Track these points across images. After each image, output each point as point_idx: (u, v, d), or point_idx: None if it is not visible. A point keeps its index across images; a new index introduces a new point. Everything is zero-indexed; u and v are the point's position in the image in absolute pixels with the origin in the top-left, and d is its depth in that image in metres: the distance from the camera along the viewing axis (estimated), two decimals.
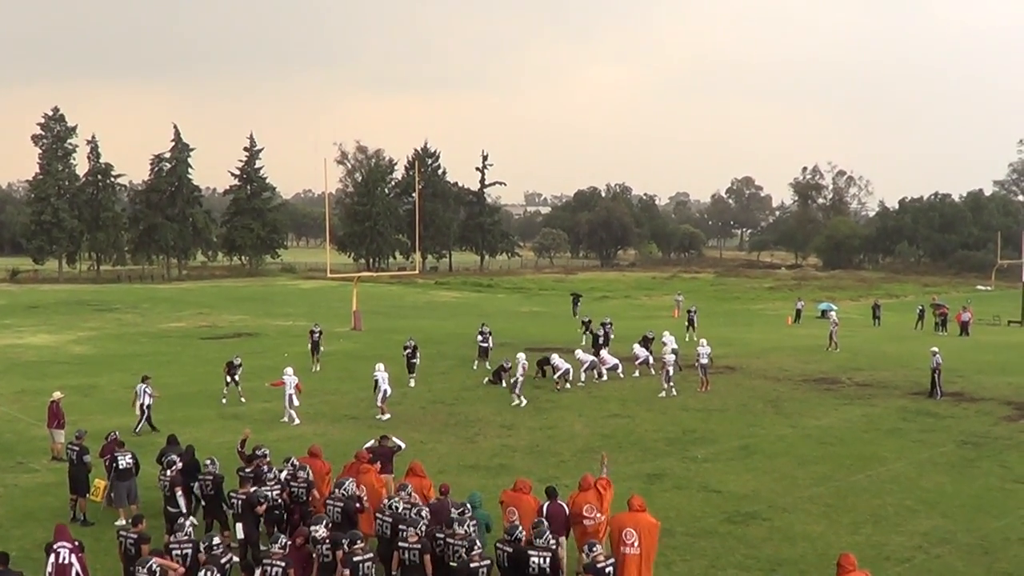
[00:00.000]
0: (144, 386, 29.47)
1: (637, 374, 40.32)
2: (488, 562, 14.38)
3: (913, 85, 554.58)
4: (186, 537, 15.18)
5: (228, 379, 34.85)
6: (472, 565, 14.30)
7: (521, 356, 35.15)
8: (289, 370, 31.91)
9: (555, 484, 23.26)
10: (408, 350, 38.84)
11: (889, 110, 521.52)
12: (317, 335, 43.41)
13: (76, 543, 15.77)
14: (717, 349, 40.17)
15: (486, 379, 38.89)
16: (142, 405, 29.23)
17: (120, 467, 20.61)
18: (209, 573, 13.89)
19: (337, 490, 17.51)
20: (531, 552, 14.43)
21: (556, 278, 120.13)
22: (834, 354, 47.67)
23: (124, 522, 17.12)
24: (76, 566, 15.38)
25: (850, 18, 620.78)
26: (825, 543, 19.40)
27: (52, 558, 15.41)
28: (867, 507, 22.04)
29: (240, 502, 17.48)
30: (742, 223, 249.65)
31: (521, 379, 34.29)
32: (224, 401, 34.34)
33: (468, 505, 16.34)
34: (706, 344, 38.37)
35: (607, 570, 14.19)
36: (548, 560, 14.34)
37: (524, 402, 33.78)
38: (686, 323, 56.00)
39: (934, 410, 33.47)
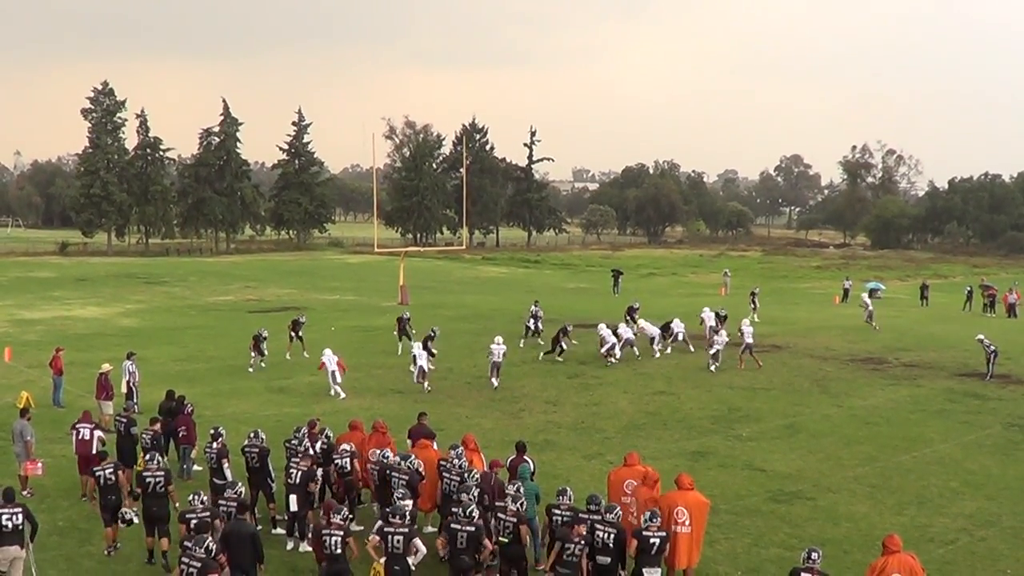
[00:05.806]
0: (129, 363, 28.68)
1: (692, 349, 40.08)
2: (473, 529, 14.46)
3: (964, 64, 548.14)
4: (235, 495, 15.83)
5: (254, 352, 36.16)
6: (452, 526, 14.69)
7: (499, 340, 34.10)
8: (327, 351, 32.31)
9: (599, 460, 23.60)
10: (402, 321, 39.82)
11: (939, 89, 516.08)
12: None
13: (95, 423, 21.01)
14: (763, 327, 39.95)
15: (542, 354, 38.95)
16: (129, 383, 28.29)
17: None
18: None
19: (404, 462, 17.68)
20: (598, 527, 14.60)
21: (603, 254, 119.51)
22: (881, 334, 47.11)
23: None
24: (95, 440, 19.99)
25: None
26: (869, 524, 19.38)
27: (75, 435, 20.37)
28: (912, 488, 21.96)
29: (300, 474, 17.71)
30: (790, 201, 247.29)
31: (498, 362, 33.43)
32: (262, 366, 35.53)
33: (519, 481, 16.43)
34: (749, 324, 38.30)
35: (652, 540, 14.29)
36: (612, 536, 14.48)
37: (496, 384, 32.99)
38: (750, 305, 53.79)
39: (981, 392, 33.12)
